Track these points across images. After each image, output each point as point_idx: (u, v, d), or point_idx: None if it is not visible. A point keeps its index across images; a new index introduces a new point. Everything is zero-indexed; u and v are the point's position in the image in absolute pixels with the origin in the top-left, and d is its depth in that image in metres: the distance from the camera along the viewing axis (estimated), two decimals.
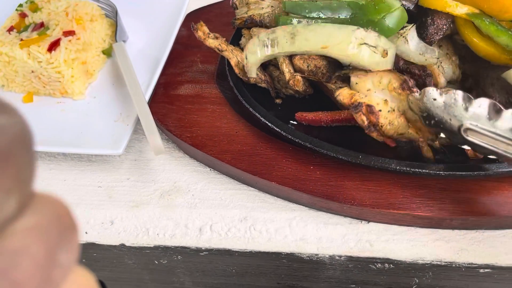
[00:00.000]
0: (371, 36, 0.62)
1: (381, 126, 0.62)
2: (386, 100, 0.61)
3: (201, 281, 0.86)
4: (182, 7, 0.95)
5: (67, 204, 0.22)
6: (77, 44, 0.84)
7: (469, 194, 0.62)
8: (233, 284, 0.86)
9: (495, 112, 0.55)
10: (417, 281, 0.72)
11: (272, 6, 0.78)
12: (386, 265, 0.67)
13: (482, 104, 0.56)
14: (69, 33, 0.84)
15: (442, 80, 0.69)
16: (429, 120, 0.59)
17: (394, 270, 0.69)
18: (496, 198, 0.61)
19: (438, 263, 0.64)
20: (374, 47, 0.62)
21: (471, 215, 0.60)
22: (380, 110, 0.61)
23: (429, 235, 0.63)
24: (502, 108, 0.55)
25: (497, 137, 0.55)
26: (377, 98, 0.61)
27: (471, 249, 0.62)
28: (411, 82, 0.59)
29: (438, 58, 0.64)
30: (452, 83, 0.72)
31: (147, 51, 0.91)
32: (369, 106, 0.60)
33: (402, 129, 0.64)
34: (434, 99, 0.57)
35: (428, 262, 0.64)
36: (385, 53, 0.62)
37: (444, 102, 0.57)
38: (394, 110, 0.61)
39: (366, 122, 0.62)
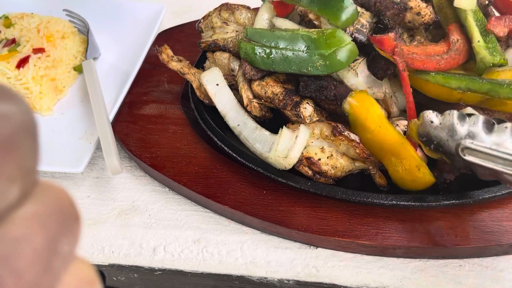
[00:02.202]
0: None
1: (325, 172, 0.64)
2: (322, 147, 0.63)
3: None
4: (154, 27, 0.97)
5: (70, 194, 0.22)
6: (46, 61, 0.86)
7: (413, 224, 0.64)
8: None
9: (489, 127, 0.54)
10: None
11: (236, 31, 0.80)
12: None
13: (475, 121, 0.55)
14: (38, 50, 0.86)
15: (394, 109, 0.71)
16: (429, 144, 0.58)
17: None
18: (438, 229, 0.63)
19: None
20: None
21: (414, 245, 0.62)
22: (320, 159, 0.63)
23: (374, 262, 0.65)
24: (495, 122, 0.54)
25: (494, 152, 0.53)
26: (314, 148, 0.64)
27: (413, 277, 0.64)
28: (339, 127, 0.61)
29: (385, 93, 0.66)
30: (406, 112, 0.74)
31: (118, 68, 0.93)
32: (307, 159, 0.63)
33: (348, 167, 0.66)
34: (431, 122, 0.57)
35: None
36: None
37: (440, 123, 0.56)
38: (332, 155, 0.63)
39: (310, 172, 0.64)
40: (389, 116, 0.71)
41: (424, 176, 0.63)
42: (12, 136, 0.18)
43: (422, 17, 0.70)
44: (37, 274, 0.19)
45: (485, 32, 0.67)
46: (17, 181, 0.19)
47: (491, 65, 0.64)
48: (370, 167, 0.68)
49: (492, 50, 0.65)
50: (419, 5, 0.70)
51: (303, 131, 0.63)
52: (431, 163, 0.69)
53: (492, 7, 0.74)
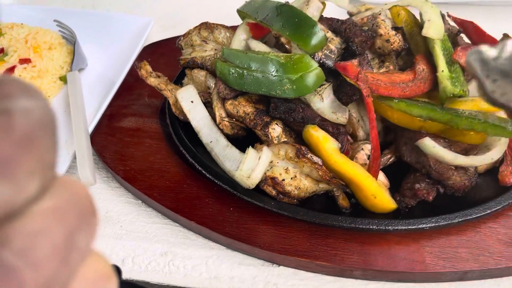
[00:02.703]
0: None
1: (288, 192, 0.66)
2: (287, 168, 0.65)
3: None
4: (141, 40, 0.99)
5: (88, 189, 0.22)
6: (32, 72, 0.89)
7: (372, 246, 0.65)
8: None
9: None
10: None
11: (215, 50, 0.83)
12: None
13: None
14: (25, 60, 0.88)
15: (361, 133, 0.72)
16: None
17: None
18: (396, 253, 0.64)
19: None
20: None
21: (371, 268, 0.63)
22: (284, 179, 0.65)
23: (332, 283, 0.66)
24: None
25: None
26: (279, 169, 0.66)
27: None
28: (303, 150, 0.63)
29: (347, 118, 0.68)
30: None
31: (103, 79, 0.95)
32: (272, 179, 0.65)
33: (312, 189, 0.68)
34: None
35: None
36: None
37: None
38: (296, 176, 0.65)
39: (274, 192, 0.66)
40: (356, 139, 0.73)
41: (381, 203, 0.65)
42: (32, 131, 0.19)
43: (391, 44, 0.72)
44: (54, 268, 0.19)
45: (451, 62, 0.69)
46: (36, 176, 0.19)
47: (452, 95, 0.65)
48: (334, 189, 0.70)
49: (455, 80, 0.66)
50: (388, 33, 0.72)
51: (265, 153, 0.65)
52: (394, 188, 0.71)
53: (463, 36, 0.76)
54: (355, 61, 0.62)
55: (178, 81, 0.86)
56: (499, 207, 0.66)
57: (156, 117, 0.86)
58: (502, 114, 0.68)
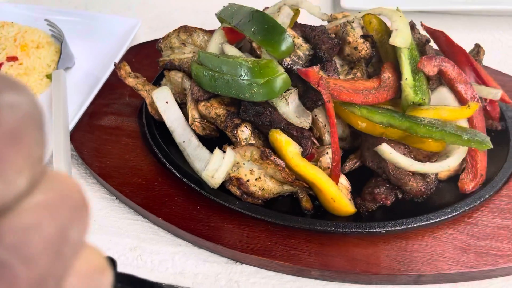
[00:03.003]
0: None
1: (252, 193, 0.68)
2: (252, 169, 0.68)
3: None
4: (126, 41, 1.02)
5: (78, 182, 0.22)
6: (18, 69, 0.92)
7: (331, 248, 0.67)
8: None
9: None
10: None
11: (194, 52, 0.85)
12: None
13: None
14: (12, 58, 0.92)
15: (327, 138, 0.74)
16: None
17: None
18: (354, 255, 0.66)
19: None
20: None
21: (328, 268, 0.65)
22: (248, 180, 0.67)
23: (292, 282, 0.68)
24: None
25: None
26: (245, 169, 0.68)
27: None
28: (267, 152, 0.65)
29: (310, 123, 0.70)
30: (343, 140, 0.78)
31: (88, 78, 0.98)
32: (237, 179, 0.67)
33: (276, 190, 0.70)
34: None
35: None
36: None
37: None
38: (260, 177, 0.68)
39: (238, 192, 0.69)
40: (322, 143, 0.75)
41: (340, 207, 0.66)
42: (19, 126, 0.18)
43: (359, 52, 0.74)
44: (48, 262, 0.19)
45: (416, 70, 0.71)
46: (25, 171, 0.19)
47: (412, 103, 0.67)
48: (299, 191, 0.72)
49: (418, 88, 0.68)
50: (356, 40, 0.74)
51: (228, 154, 0.67)
52: (357, 191, 0.73)
53: (430, 45, 0.78)
54: (316, 68, 0.65)
55: (157, 82, 0.89)
56: (455, 213, 0.67)
57: (135, 117, 0.88)
58: (462, 123, 0.69)
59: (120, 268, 0.76)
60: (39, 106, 0.20)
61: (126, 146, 0.83)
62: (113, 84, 0.95)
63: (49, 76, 0.98)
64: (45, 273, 0.19)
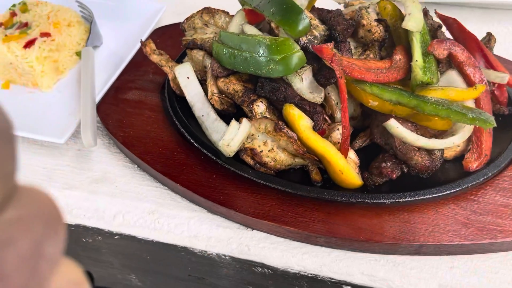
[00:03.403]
0: None
1: (265, 163, 0.72)
2: (266, 141, 0.72)
3: (126, 264, 0.98)
4: (152, 23, 1.07)
5: (52, 196, 0.22)
6: (50, 45, 0.98)
7: (337, 217, 0.71)
8: (151, 270, 0.97)
9: None
10: None
11: (215, 33, 0.90)
12: (265, 269, 0.77)
13: None
14: (45, 34, 0.98)
15: (338, 115, 0.78)
16: None
17: (275, 276, 0.78)
18: (359, 224, 0.70)
19: (305, 274, 0.73)
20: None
21: (333, 236, 0.69)
22: (262, 151, 0.71)
23: (299, 248, 0.72)
24: None
25: None
26: (259, 141, 0.72)
27: (331, 266, 0.71)
28: (280, 124, 0.69)
29: (322, 99, 0.74)
30: (354, 118, 0.81)
31: (114, 56, 1.04)
32: (251, 150, 0.71)
33: (287, 161, 0.74)
34: None
35: (297, 271, 0.73)
36: None
37: None
38: (273, 148, 0.72)
39: (252, 162, 0.73)
40: (334, 121, 0.79)
41: (348, 179, 0.70)
42: None
43: (373, 34, 0.77)
44: (23, 279, 0.18)
45: (427, 53, 0.74)
46: None
47: (421, 82, 0.70)
48: (309, 164, 0.76)
49: (427, 70, 0.71)
50: (370, 23, 0.77)
51: (244, 124, 0.71)
52: (365, 168, 0.76)
53: (442, 31, 0.81)
54: (330, 44, 0.68)
55: (180, 60, 0.94)
56: (458, 189, 0.70)
57: (158, 92, 0.93)
58: (469, 104, 0.72)
59: (139, 230, 0.81)
60: (8, 119, 0.20)
61: (148, 119, 0.88)
62: (138, 62, 1.00)
63: (78, 54, 1.04)
64: None
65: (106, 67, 1.01)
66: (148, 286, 1.06)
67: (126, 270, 1.01)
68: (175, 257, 0.84)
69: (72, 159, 0.88)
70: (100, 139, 0.91)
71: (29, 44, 0.95)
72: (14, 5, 1.06)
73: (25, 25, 1.00)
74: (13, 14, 1.03)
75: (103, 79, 0.96)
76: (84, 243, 0.91)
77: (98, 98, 0.92)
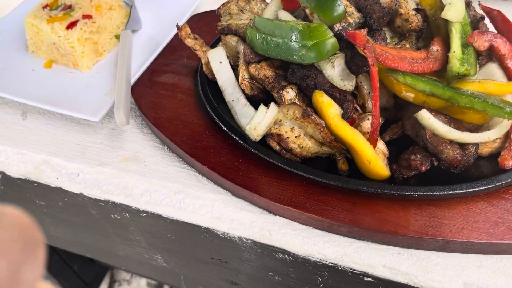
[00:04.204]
0: None
1: (291, 149, 0.72)
2: (293, 128, 0.72)
3: (152, 243, 1.00)
4: (190, 9, 1.09)
5: (30, 219, 0.21)
6: (91, 27, 1.01)
7: (362, 207, 0.70)
8: (176, 251, 0.99)
9: None
10: (320, 280, 0.80)
11: (250, 19, 0.90)
12: (286, 256, 0.77)
13: None
14: (87, 16, 1.01)
15: (370, 105, 0.76)
16: None
17: (296, 264, 0.78)
18: (384, 216, 0.68)
19: (325, 262, 0.72)
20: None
21: (356, 226, 0.68)
22: (288, 137, 0.71)
23: (321, 236, 0.72)
24: None
25: None
26: (286, 127, 0.72)
27: (353, 256, 0.70)
28: (308, 111, 0.68)
29: (353, 88, 0.72)
30: (386, 110, 0.79)
31: (152, 40, 1.06)
32: (278, 135, 0.71)
33: (314, 149, 0.73)
34: None
35: (318, 259, 0.73)
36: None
37: None
38: (300, 135, 0.71)
39: (278, 148, 0.73)
40: (365, 111, 0.77)
41: (375, 169, 0.69)
42: None
43: (410, 24, 0.75)
44: None
45: (466, 45, 0.71)
46: None
47: (457, 74, 0.68)
48: (336, 153, 0.75)
49: (465, 61, 0.69)
50: (408, 12, 0.75)
51: (271, 108, 0.71)
52: (394, 159, 0.74)
53: (485, 23, 0.77)
54: (364, 30, 0.67)
55: (214, 45, 0.95)
56: (490, 186, 0.67)
57: (191, 77, 0.95)
58: (509, 98, 0.69)
59: (164, 209, 0.82)
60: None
61: (180, 102, 0.89)
62: (174, 46, 1.02)
63: (117, 37, 1.07)
64: None
65: (143, 51, 1.03)
66: (173, 267, 1.08)
67: (152, 250, 1.04)
68: (199, 239, 0.85)
69: (106, 137, 0.91)
70: (134, 120, 0.93)
71: (72, 25, 0.99)
72: None
73: (69, 7, 1.04)
74: None
75: (140, 62, 0.99)
76: (113, 219, 0.94)
77: (133, 80, 0.94)
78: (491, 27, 0.83)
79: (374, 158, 0.69)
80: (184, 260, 1.02)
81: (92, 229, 1.07)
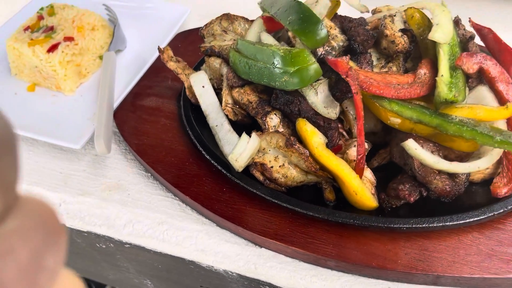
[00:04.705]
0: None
1: (275, 179, 0.69)
2: (277, 156, 0.69)
3: (140, 270, 0.98)
4: (175, 27, 1.06)
5: (54, 207, 0.21)
6: (74, 49, 0.98)
7: (349, 240, 0.67)
8: (165, 278, 0.96)
9: None
10: None
11: (234, 40, 0.87)
12: None
13: None
14: (69, 38, 0.98)
15: (356, 130, 0.74)
16: None
17: None
18: (372, 249, 0.66)
19: None
20: None
21: (343, 260, 0.65)
22: (272, 167, 0.68)
23: (308, 270, 0.69)
24: None
25: None
26: (270, 156, 0.69)
27: None
28: (292, 140, 0.66)
29: (337, 114, 0.69)
30: (374, 134, 0.77)
31: (137, 60, 1.03)
32: (261, 165, 0.68)
33: (299, 178, 0.71)
34: None
35: None
36: None
37: None
38: (284, 164, 0.69)
39: (261, 177, 0.70)
40: (352, 136, 0.74)
41: (362, 200, 0.66)
42: None
43: (396, 46, 0.73)
44: None
45: (455, 67, 0.68)
46: None
47: (445, 100, 0.65)
48: (323, 182, 0.72)
49: (453, 86, 0.66)
50: (394, 34, 0.73)
51: (253, 138, 0.68)
52: (384, 188, 0.72)
53: (475, 42, 0.75)
54: (346, 58, 0.64)
55: (198, 67, 0.92)
56: (482, 217, 0.65)
57: (175, 100, 0.92)
58: (500, 124, 0.66)
59: (147, 241, 0.80)
60: (11, 129, 0.19)
61: (163, 127, 0.87)
62: (158, 67, 1.00)
63: (101, 57, 1.05)
64: None
65: (128, 71, 1.00)
66: None
67: (141, 276, 1.01)
68: (185, 269, 0.83)
69: (89, 164, 0.89)
70: (117, 145, 0.91)
71: (53, 48, 0.96)
72: (42, 8, 1.07)
73: (51, 29, 1.01)
74: (40, 18, 1.04)
75: (124, 84, 0.96)
76: (99, 248, 0.92)
77: (116, 103, 0.92)
78: (481, 43, 0.80)
79: (361, 189, 0.66)
80: (174, 286, 0.99)
81: (80, 255, 1.05)
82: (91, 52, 1.03)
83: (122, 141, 0.91)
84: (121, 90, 0.95)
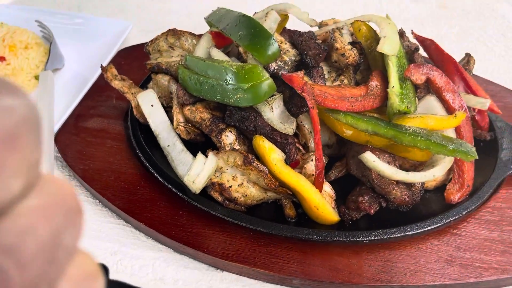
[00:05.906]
0: None
1: (235, 199, 0.67)
2: (235, 175, 0.67)
3: None
4: (117, 43, 1.01)
5: (72, 187, 0.22)
6: (5, 69, 0.91)
7: (313, 257, 0.66)
8: None
9: None
10: None
11: (181, 56, 0.84)
12: None
13: None
14: (0, 58, 0.91)
15: (312, 144, 0.73)
16: None
17: None
18: (336, 264, 0.65)
19: None
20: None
21: (309, 278, 0.64)
22: (231, 186, 0.66)
23: None
24: None
25: None
26: (228, 175, 0.67)
27: None
28: (249, 158, 0.64)
29: (295, 129, 0.69)
30: (329, 147, 0.77)
31: (76, 80, 0.97)
32: (220, 185, 0.66)
33: (259, 196, 0.69)
34: None
35: None
36: None
37: None
38: (243, 183, 0.67)
39: (220, 198, 0.68)
40: (308, 150, 0.74)
41: (324, 215, 0.65)
42: (16, 130, 0.18)
43: (346, 58, 0.73)
44: (41, 266, 0.19)
45: (404, 78, 0.70)
46: (20, 175, 0.19)
47: (397, 111, 0.66)
48: (282, 198, 0.71)
49: (404, 96, 0.67)
50: (344, 47, 0.73)
51: (210, 158, 0.66)
52: (342, 199, 0.71)
53: (420, 53, 0.77)
54: (300, 73, 0.64)
55: (145, 85, 0.88)
56: (440, 224, 0.66)
57: (121, 119, 0.87)
58: (449, 132, 0.68)
59: None
60: (36, 109, 0.20)
61: (110, 149, 0.82)
62: (101, 86, 0.94)
63: (37, 77, 0.98)
64: (38, 277, 0.19)
65: (67, 92, 0.94)
66: None
67: None
68: None
69: None
70: (59, 171, 0.84)
71: None
72: None
73: None
74: None
75: (64, 105, 0.90)
76: None
77: (57, 126, 0.85)
78: (424, 54, 0.83)
79: (322, 203, 0.65)
80: None
81: None
82: (25, 72, 0.95)
83: (66, 166, 0.85)
84: (61, 112, 0.88)
